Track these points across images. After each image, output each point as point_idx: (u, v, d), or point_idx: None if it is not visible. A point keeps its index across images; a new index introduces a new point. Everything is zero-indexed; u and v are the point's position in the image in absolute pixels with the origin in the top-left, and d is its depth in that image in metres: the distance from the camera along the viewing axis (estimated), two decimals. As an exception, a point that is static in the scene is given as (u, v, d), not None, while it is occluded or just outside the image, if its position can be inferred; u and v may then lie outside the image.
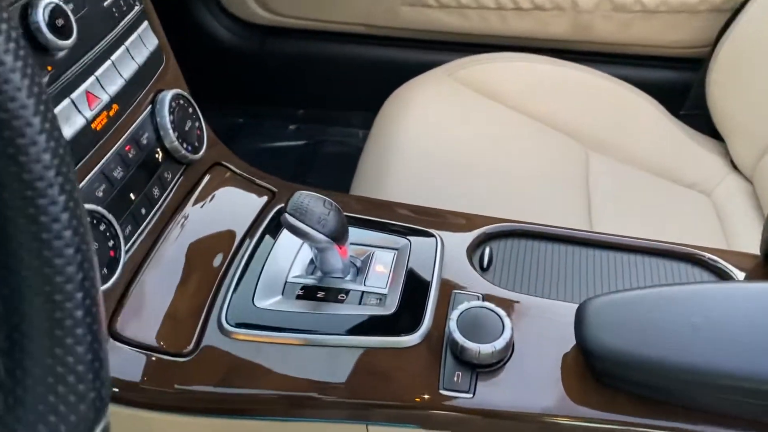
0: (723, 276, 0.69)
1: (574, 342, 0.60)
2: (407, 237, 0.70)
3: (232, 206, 0.72)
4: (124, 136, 0.64)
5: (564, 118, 1.22)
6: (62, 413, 0.28)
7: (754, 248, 1.14)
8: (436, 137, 1.12)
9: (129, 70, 0.65)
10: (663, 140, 1.25)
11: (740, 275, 0.68)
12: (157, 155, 0.67)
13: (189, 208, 0.70)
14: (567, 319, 0.60)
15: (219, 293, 0.64)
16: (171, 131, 0.68)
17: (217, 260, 0.67)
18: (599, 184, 1.15)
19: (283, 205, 0.72)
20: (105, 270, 0.58)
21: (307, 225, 0.61)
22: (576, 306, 0.59)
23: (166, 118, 0.68)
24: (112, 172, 0.61)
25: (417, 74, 1.28)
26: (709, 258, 0.69)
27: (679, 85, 1.33)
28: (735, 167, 1.23)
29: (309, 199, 0.62)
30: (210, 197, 0.72)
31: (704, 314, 0.53)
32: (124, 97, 0.64)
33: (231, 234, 0.69)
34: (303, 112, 1.56)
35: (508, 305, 0.63)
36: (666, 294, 0.56)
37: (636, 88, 1.26)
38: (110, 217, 0.58)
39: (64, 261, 0.29)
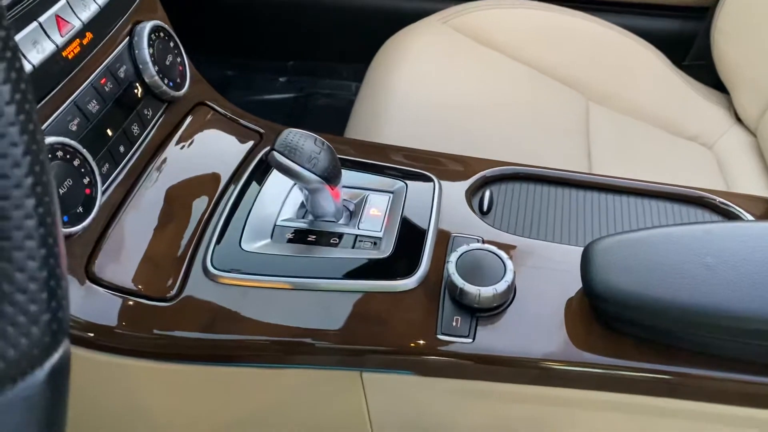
0: (732, 218, 0.65)
1: (578, 286, 0.57)
2: (403, 180, 0.66)
3: (216, 148, 0.68)
4: (99, 68, 0.59)
5: (564, 68, 1.18)
6: (10, 335, 0.25)
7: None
8: (432, 85, 1.07)
9: (103, -5, 0.61)
10: (665, 91, 1.21)
11: (750, 218, 0.65)
12: (136, 90, 0.63)
13: (171, 149, 0.65)
14: (571, 263, 0.56)
15: (203, 237, 0.60)
16: (151, 65, 0.63)
17: (201, 203, 0.63)
18: (599, 134, 1.11)
19: (271, 146, 0.69)
20: (80, 209, 0.54)
21: (296, 163, 0.57)
22: (581, 249, 0.56)
23: (145, 51, 0.63)
24: (87, 105, 0.57)
25: (411, 23, 1.23)
26: (719, 201, 0.66)
27: (684, 34, 1.29)
28: (739, 120, 1.20)
29: (299, 136, 0.58)
30: (193, 138, 0.68)
31: (717, 254, 0.50)
32: (99, 25, 0.59)
33: (215, 177, 0.65)
34: (293, 63, 1.51)
35: (509, 248, 0.60)
36: (676, 234, 0.53)
37: (639, 38, 1.22)
38: (84, 152, 0.54)
39: (9, 162, 0.25)
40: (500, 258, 0.56)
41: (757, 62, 1.15)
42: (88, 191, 0.54)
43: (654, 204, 0.67)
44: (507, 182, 0.69)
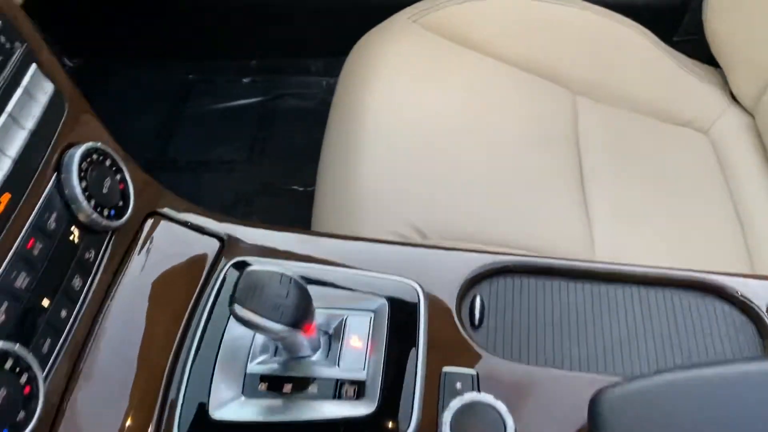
0: (747, 311, 0.60)
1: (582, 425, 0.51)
2: (384, 295, 0.60)
3: (172, 274, 0.61)
4: (23, 230, 0.51)
5: (546, 61, 1.09)
6: None
7: (755, 192, 1.04)
8: (407, 105, 0.99)
9: (16, 144, 0.52)
10: (656, 74, 1.12)
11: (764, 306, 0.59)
12: (72, 237, 0.55)
13: (122, 290, 0.58)
14: (576, 398, 0.51)
15: (167, 402, 0.54)
16: (84, 202, 0.55)
17: (162, 356, 0.56)
18: (589, 136, 1.04)
19: (231, 263, 0.62)
20: (22, 413, 0.48)
21: (261, 316, 0.50)
22: (587, 378, 0.50)
23: (75, 188, 0.55)
24: (14, 282, 0.49)
25: (377, 11, 1.12)
26: (740, 295, 0.60)
27: (673, 8, 1.19)
28: (734, 99, 1.12)
29: (261, 278, 0.51)
30: (145, 265, 0.60)
31: (752, 409, 0.44)
32: (17, 179, 0.51)
33: (175, 314, 0.58)
34: (256, 62, 1.40)
35: (507, 385, 0.54)
36: (701, 381, 0.47)
37: (624, 18, 1.12)
38: (17, 348, 0.48)
39: None
40: (499, 413, 0.50)
41: (754, 38, 1.06)
42: (27, 389, 0.48)
43: (660, 294, 0.61)
44: (497, 278, 0.63)
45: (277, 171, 1.27)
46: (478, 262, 0.62)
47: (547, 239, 0.87)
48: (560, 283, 0.62)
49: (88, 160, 0.58)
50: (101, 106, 0.67)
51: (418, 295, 0.60)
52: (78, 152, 0.57)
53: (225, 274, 0.62)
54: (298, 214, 0.99)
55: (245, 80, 1.39)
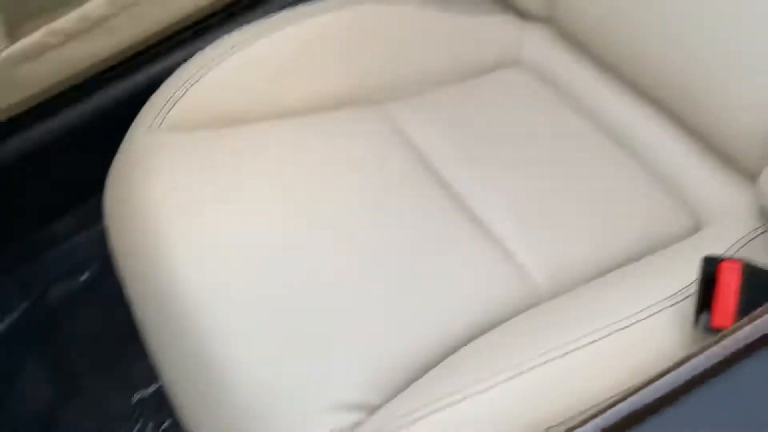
0: None
1: None
2: None
3: None
4: None
5: (335, 87, 0.89)
6: None
7: (622, 111, 0.91)
8: (220, 239, 0.74)
9: None
10: (438, 35, 0.96)
11: None
12: None
13: None
14: None
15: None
16: None
17: None
18: (428, 144, 0.86)
19: None
20: None
21: None
22: None
23: None
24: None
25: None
26: None
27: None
28: (526, 16, 0.99)
29: None
30: None
31: None
32: None
33: None
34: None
35: None
36: None
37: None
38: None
39: None
40: None
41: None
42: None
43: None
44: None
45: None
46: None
47: (479, 306, 0.70)
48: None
49: None
50: None
51: None
52: None
53: None
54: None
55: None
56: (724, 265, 0.57)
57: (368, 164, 0.83)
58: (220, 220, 0.73)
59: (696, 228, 0.81)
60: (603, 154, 0.87)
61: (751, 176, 0.77)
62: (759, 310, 0.43)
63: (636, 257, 0.76)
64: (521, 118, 0.92)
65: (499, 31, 0.99)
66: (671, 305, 0.64)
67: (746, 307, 0.55)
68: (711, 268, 0.58)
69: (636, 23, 0.83)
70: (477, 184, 0.82)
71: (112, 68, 0.93)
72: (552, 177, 0.84)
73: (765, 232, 0.73)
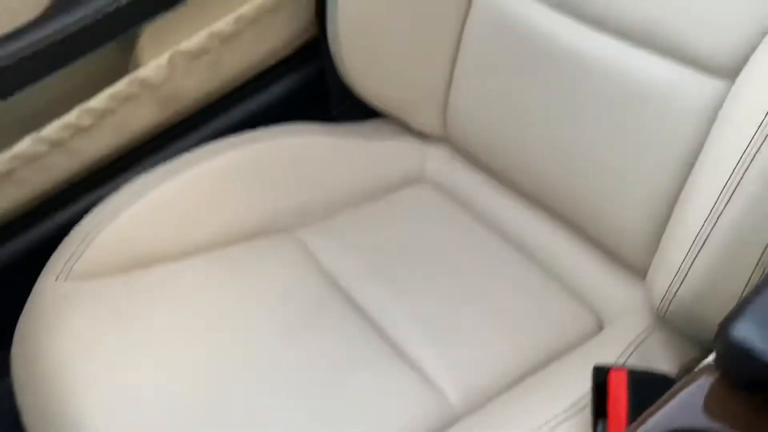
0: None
1: None
2: None
3: None
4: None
5: (245, 219, 0.92)
6: None
7: (526, 222, 0.96)
8: (139, 396, 0.73)
9: None
10: (345, 161, 1.01)
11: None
12: None
13: None
14: None
15: None
16: None
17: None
18: (341, 269, 0.89)
19: None
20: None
21: None
22: None
23: None
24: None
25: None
26: None
27: (311, 84, 1.08)
28: (426, 136, 1.04)
29: None
30: None
31: None
32: None
33: None
34: None
35: None
36: None
37: (277, 129, 0.98)
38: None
39: None
40: None
41: (397, 76, 0.98)
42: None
43: None
44: None
45: None
46: None
47: (393, 426, 0.71)
48: None
49: None
50: None
51: None
52: None
53: None
54: None
55: None
56: (612, 374, 0.60)
57: (281, 295, 0.85)
58: (129, 371, 0.73)
59: (600, 326, 0.85)
60: (507, 263, 0.92)
61: (643, 274, 0.81)
62: (644, 414, 0.46)
63: (545, 362, 0.79)
64: (428, 234, 0.96)
65: (403, 152, 1.05)
66: (573, 414, 0.66)
67: (635, 413, 0.58)
68: (601, 378, 0.61)
69: (520, 139, 0.89)
70: (389, 305, 0.85)
71: (21, 217, 0.94)
72: (461, 290, 0.88)
73: (656, 329, 0.77)
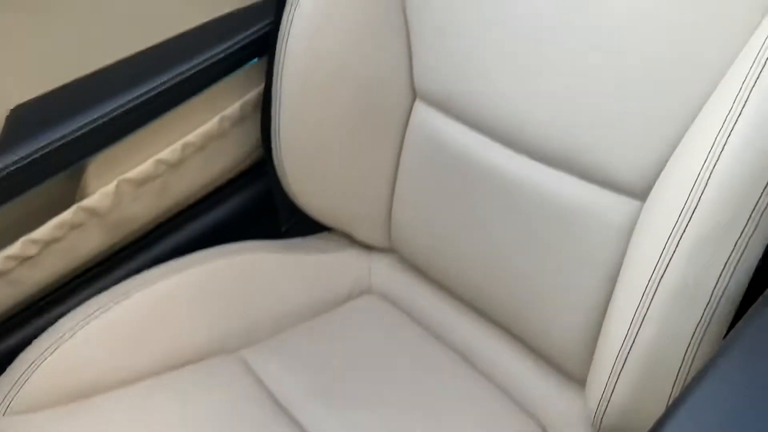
0: None
1: None
2: None
3: None
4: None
5: (188, 343, 0.92)
6: None
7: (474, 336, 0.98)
8: None
9: None
10: (290, 283, 1.02)
11: None
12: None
13: None
14: None
15: None
16: None
17: None
18: (285, 392, 0.88)
19: None
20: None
21: None
22: None
23: None
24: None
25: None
26: None
27: (258, 205, 1.10)
28: (372, 247, 1.07)
29: None
30: None
31: None
32: None
33: None
34: None
35: None
36: None
37: (225, 248, 1.00)
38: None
39: None
40: None
41: (342, 193, 1.01)
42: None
43: None
44: None
45: None
46: None
47: None
48: None
49: None
50: None
51: None
52: None
53: None
54: None
55: None
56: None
57: (224, 419, 0.84)
58: None
59: None
60: (454, 376, 0.92)
61: (583, 383, 0.83)
62: None
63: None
64: (374, 346, 0.97)
65: (350, 263, 1.07)
66: None
67: None
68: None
69: (458, 253, 0.92)
70: (334, 425, 0.84)
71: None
72: (409, 406, 0.88)
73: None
